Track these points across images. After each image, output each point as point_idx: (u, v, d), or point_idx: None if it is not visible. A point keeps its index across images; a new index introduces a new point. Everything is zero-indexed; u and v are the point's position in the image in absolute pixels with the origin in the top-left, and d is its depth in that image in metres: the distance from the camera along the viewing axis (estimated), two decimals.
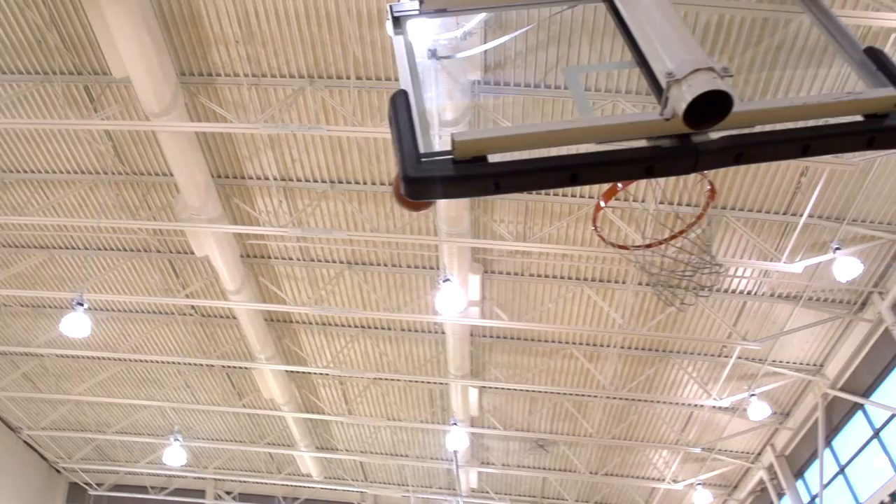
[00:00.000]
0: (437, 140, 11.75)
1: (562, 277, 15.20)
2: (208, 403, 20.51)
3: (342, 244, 15.17)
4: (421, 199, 2.87)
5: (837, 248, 13.38)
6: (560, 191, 13.35)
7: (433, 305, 14.82)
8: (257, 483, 24.54)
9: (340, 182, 14.06)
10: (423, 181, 2.80)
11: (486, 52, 10.99)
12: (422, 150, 2.89)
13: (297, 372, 18.78)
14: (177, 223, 14.08)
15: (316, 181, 14.13)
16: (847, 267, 13.34)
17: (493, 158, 2.88)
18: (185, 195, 13.22)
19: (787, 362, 16.99)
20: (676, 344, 16.71)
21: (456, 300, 13.90)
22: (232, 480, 24.58)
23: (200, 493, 24.98)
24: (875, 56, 3.16)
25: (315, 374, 18.99)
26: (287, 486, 24.54)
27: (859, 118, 2.94)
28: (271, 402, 19.62)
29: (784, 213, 13.53)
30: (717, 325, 15.71)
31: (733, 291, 15.27)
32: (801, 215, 13.03)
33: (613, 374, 17.47)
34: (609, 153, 2.75)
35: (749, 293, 15.29)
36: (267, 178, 14.10)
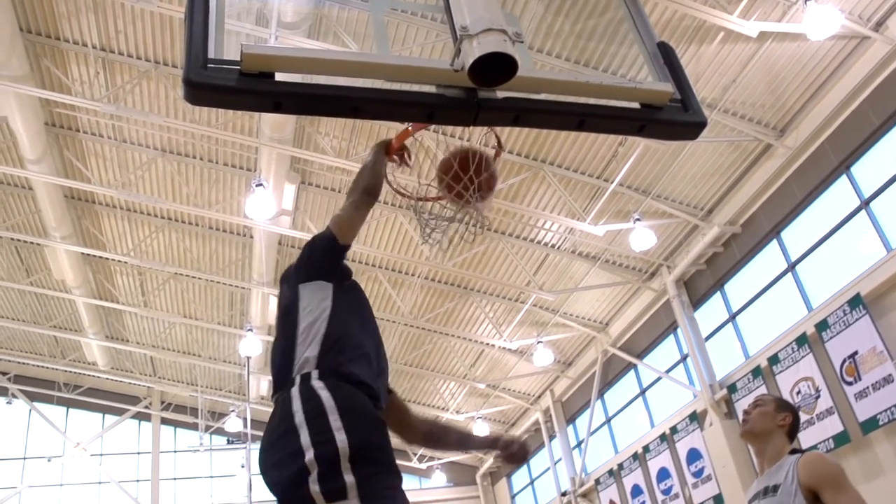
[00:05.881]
0: (274, 40, 11.36)
1: (378, 201, 15.18)
2: None
3: (158, 130, 14.43)
4: (199, 104, 2.77)
5: (638, 220, 14.19)
6: None
7: (245, 207, 14.47)
8: (37, 367, 23.23)
9: (165, 64, 13.32)
10: (203, 87, 2.68)
11: None
12: (212, 54, 2.78)
13: (94, 256, 17.86)
14: None
15: (139, 58, 13.30)
16: (643, 238, 14.21)
17: (281, 77, 2.82)
18: None
19: (577, 316, 18.01)
20: (478, 283, 17.26)
21: (266, 206, 13.64)
22: (9, 361, 23.18)
23: None
24: (665, 51, 3.32)
25: (113, 260, 18.13)
26: (70, 372, 23.39)
27: (636, 105, 3.09)
28: (62, 283, 18.57)
29: (597, 178, 14.16)
30: (518, 271, 16.35)
31: (538, 242, 15.92)
32: (612, 182, 13.70)
33: (414, 303, 17.87)
34: (394, 92, 2.75)
35: (553, 246, 15.99)
36: (85, 45, 13.10)
